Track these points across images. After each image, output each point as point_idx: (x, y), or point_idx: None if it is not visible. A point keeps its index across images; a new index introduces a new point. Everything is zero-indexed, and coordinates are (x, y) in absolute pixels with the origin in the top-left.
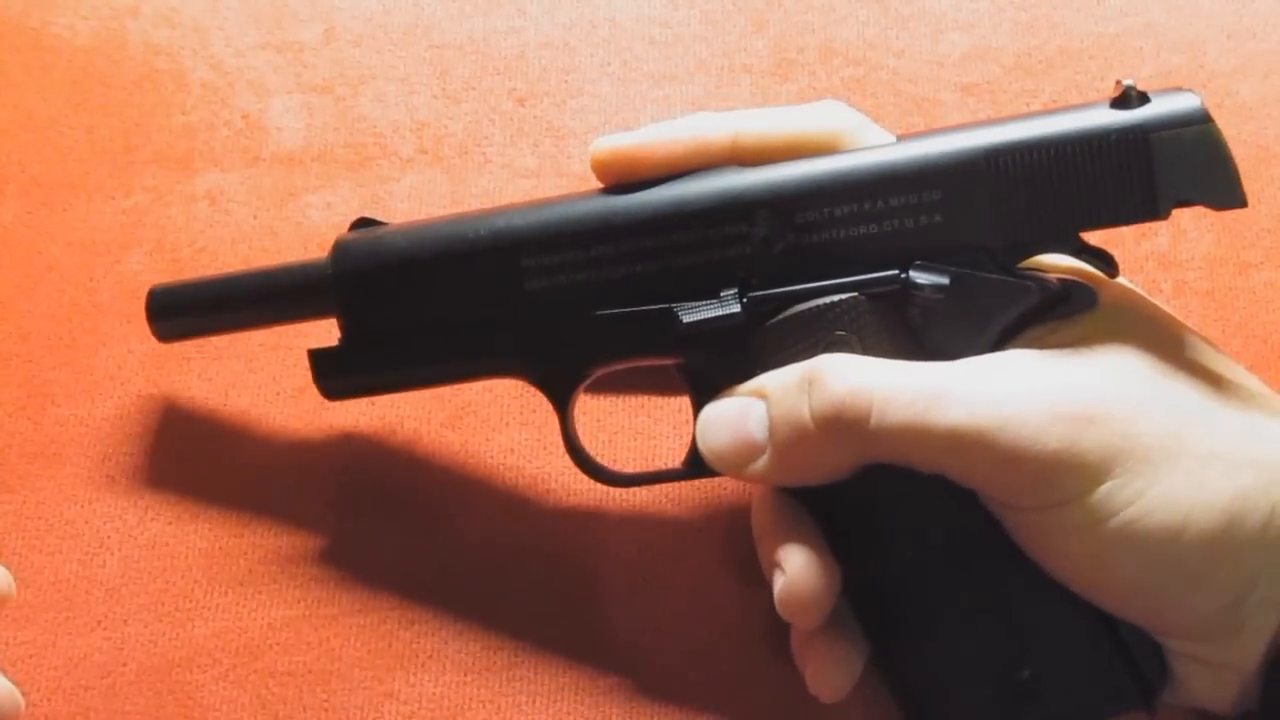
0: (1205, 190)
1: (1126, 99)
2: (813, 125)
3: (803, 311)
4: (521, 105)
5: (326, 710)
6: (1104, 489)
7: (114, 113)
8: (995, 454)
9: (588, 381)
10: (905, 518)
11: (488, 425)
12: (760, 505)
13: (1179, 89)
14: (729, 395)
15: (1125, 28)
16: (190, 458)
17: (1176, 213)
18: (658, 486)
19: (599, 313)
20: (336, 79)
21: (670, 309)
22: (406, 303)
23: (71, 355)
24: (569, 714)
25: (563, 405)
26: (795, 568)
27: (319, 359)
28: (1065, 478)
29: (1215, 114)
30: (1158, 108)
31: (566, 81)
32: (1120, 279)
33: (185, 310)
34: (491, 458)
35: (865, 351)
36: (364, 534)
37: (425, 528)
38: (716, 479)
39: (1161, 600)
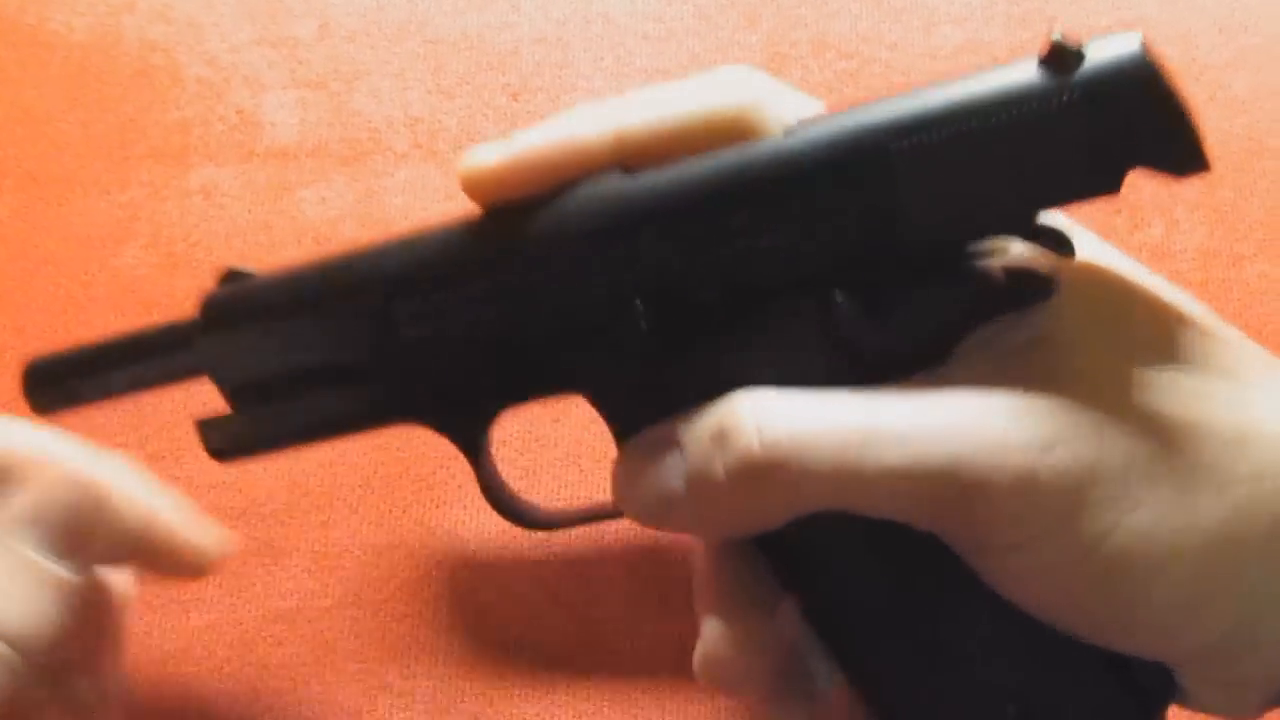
0: (1159, 153)
1: (1059, 57)
2: (708, 107)
3: (715, 339)
4: (515, 100)
5: (321, 703)
6: (1071, 525)
7: (109, 108)
8: (941, 496)
9: (495, 422)
10: (858, 563)
11: None
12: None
13: (1122, 32)
14: (642, 442)
15: (1117, 20)
16: (182, 452)
17: (1168, 203)
18: None
19: (482, 356)
20: (331, 74)
21: (558, 348)
22: (281, 358)
23: None
24: (563, 706)
25: (473, 451)
26: (710, 638)
27: (206, 429)
28: (1023, 516)
29: (1208, 108)
30: (1094, 60)
31: (560, 76)
32: (1089, 241)
33: (60, 379)
34: None
35: (791, 379)
36: (357, 526)
37: (418, 519)
38: None
39: (1153, 635)
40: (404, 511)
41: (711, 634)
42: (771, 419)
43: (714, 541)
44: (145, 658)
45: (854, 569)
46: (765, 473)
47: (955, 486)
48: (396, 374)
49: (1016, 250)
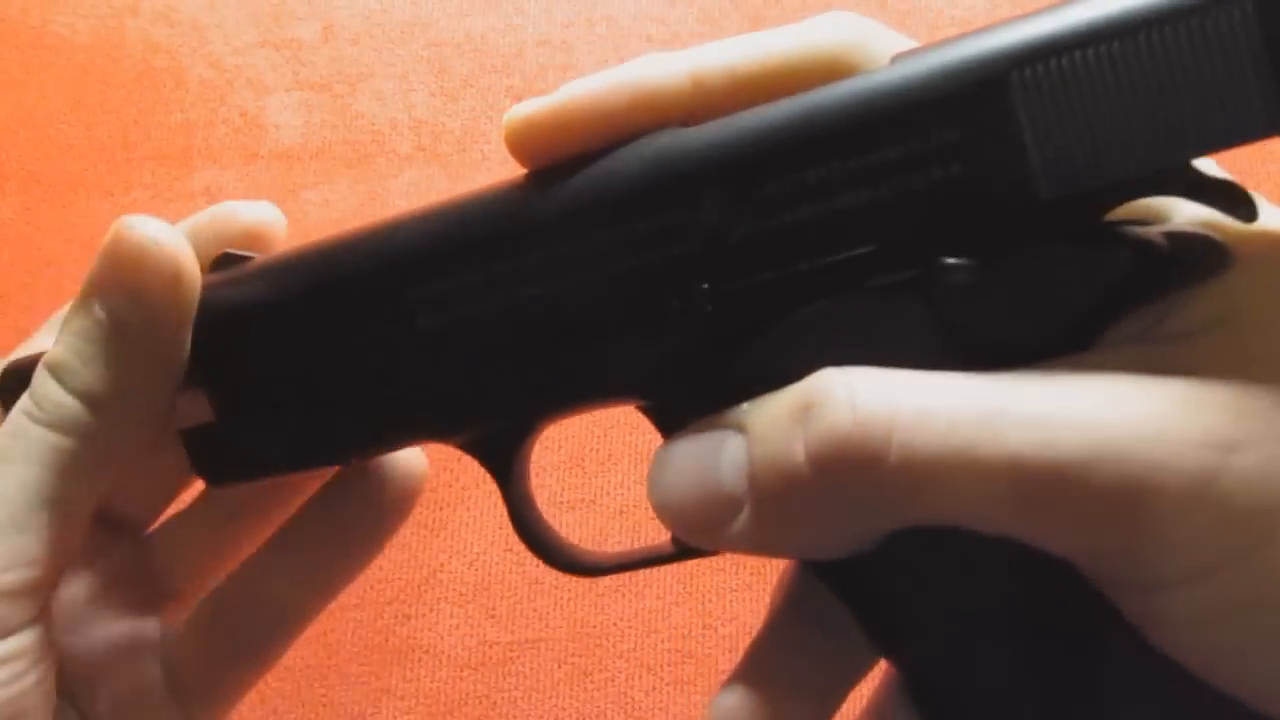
0: None
1: None
2: (800, 45)
3: (793, 323)
4: (519, 102)
5: (324, 705)
6: (1263, 552)
7: (113, 110)
8: (1086, 499)
9: (532, 439)
10: (967, 608)
11: None
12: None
13: None
14: (695, 431)
15: None
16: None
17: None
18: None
19: (516, 350)
20: (334, 76)
21: (605, 338)
22: (273, 360)
23: None
24: (564, 708)
25: (503, 476)
26: (723, 706)
27: (193, 440)
28: (1201, 535)
29: None
30: None
31: (564, 79)
32: (1265, 206)
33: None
34: None
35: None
36: None
37: (421, 522)
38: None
39: None
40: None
41: (727, 703)
42: (868, 390)
43: (777, 554)
44: None
45: (967, 628)
46: (859, 455)
47: (1108, 488)
48: (412, 377)
49: (1183, 213)
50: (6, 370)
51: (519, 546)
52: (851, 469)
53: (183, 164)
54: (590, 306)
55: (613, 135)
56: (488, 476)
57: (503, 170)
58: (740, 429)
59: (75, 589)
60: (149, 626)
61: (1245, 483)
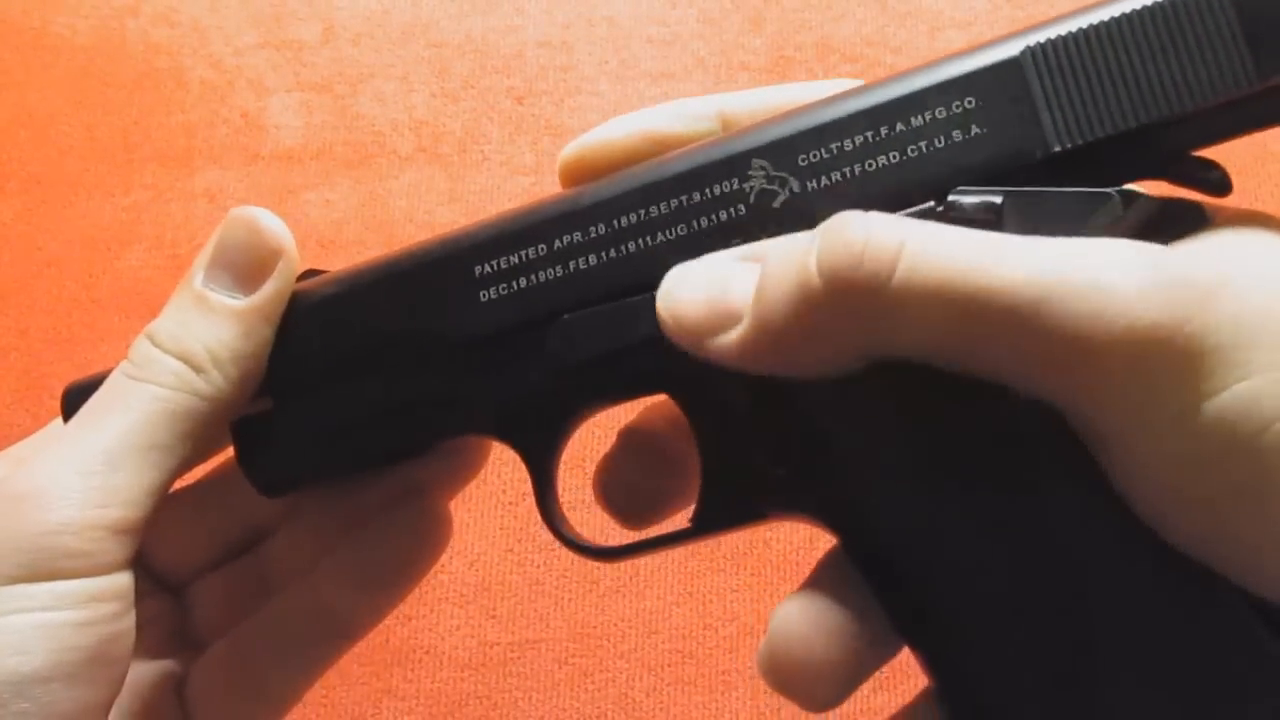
0: None
1: None
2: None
3: None
4: (520, 103)
5: (325, 705)
6: (1244, 387)
7: (114, 111)
8: (1078, 330)
9: (572, 427)
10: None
11: None
12: None
13: None
14: (715, 257)
15: None
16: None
17: None
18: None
19: (569, 316)
20: (335, 77)
21: (646, 322)
22: (334, 359)
23: (70, 349)
24: (565, 709)
25: (539, 466)
26: (783, 621)
27: (242, 431)
28: (1185, 366)
29: None
30: None
31: (564, 80)
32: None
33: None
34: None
35: None
36: None
37: None
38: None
39: None
40: None
41: (787, 611)
42: (882, 220)
43: (756, 367)
44: None
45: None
46: (866, 270)
47: (1098, 320)
48: (466, 354)
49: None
50: (70, 391)
51: (519, 547)
52: (858, 283)
53: (183, 165)
54: (636, 275)
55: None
56: (487, 478)
57: (502, 171)
58: (758, 258)
59: None
60: (173, 671)
61: (1229, 318)
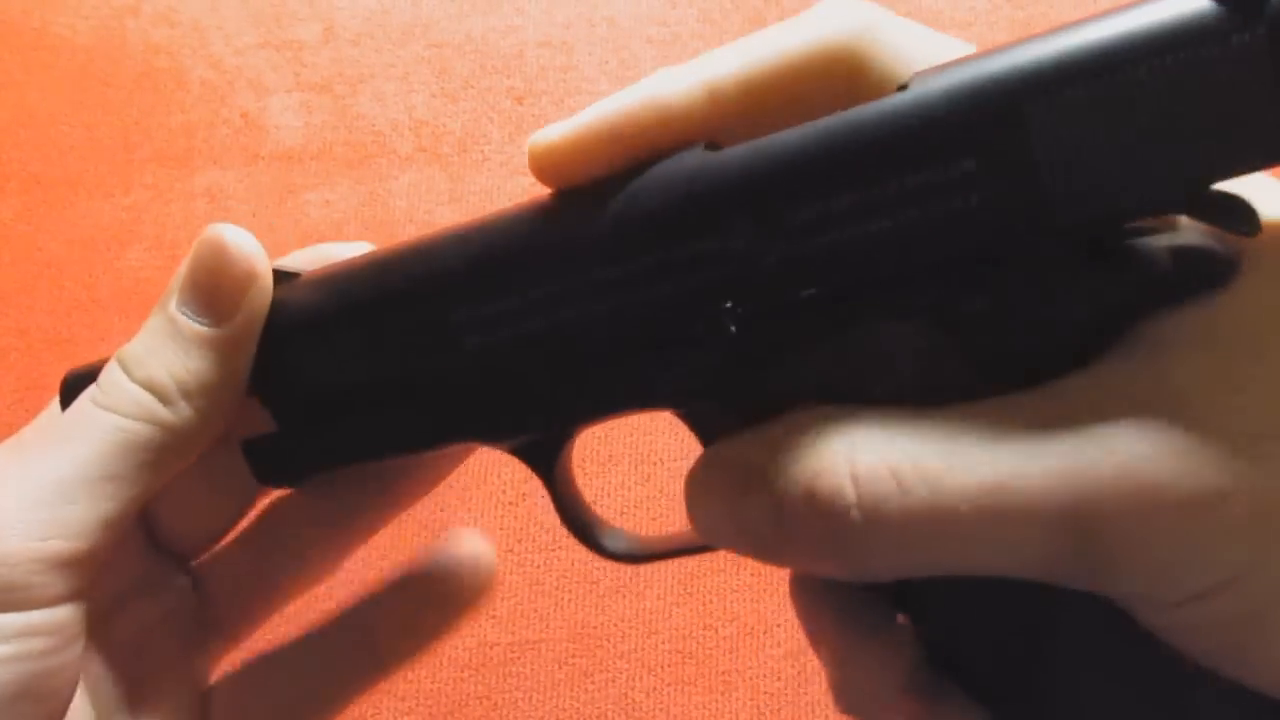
0: None
1: None
2: (809, 40)
3: (815, 342)
4: (520, 104)
5: None
6: (1263, 573)
7: (114, 111)
8: (1078, 550)
9: (572, 441)
10: (984, 610)
11: None
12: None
13: None
14: (721, 468)
15: None
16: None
17: None
18: (654, 484)
19: (558, 366)
20: (335, 78)
21: (638, 356)
22: (324, 372)
23: (70, 350)
24: (565, 709)
25: (547, 473)
26: (833, 668)
27: (254, 450)
28: (1193, 566)
29: None
30: None
31: (564, 80)
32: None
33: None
34: (487, 451)
35: (905, 389)
36: None
37: (422, 523)
38: None
39: None
40: (407, 514)
41: (831, 664)
42: (873, 474)
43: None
44: None
45: (981, 614)
46: (865, 544)
47: (1091, 536)
48: (460, 389)
49: (1186, 229)
50: (68, 378)
51: (519, 547)
52: (856, 551)
53: (184, 165)
54: (619, 330)
55: (636, 154)
56: (487, 477)
57: (502, 171)
58: (765, 482)
59: (125, 618)
60: (195, 659)
61: (1238, 527)
